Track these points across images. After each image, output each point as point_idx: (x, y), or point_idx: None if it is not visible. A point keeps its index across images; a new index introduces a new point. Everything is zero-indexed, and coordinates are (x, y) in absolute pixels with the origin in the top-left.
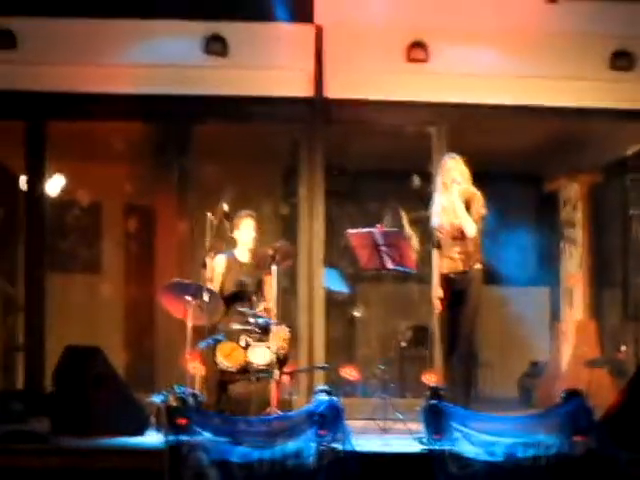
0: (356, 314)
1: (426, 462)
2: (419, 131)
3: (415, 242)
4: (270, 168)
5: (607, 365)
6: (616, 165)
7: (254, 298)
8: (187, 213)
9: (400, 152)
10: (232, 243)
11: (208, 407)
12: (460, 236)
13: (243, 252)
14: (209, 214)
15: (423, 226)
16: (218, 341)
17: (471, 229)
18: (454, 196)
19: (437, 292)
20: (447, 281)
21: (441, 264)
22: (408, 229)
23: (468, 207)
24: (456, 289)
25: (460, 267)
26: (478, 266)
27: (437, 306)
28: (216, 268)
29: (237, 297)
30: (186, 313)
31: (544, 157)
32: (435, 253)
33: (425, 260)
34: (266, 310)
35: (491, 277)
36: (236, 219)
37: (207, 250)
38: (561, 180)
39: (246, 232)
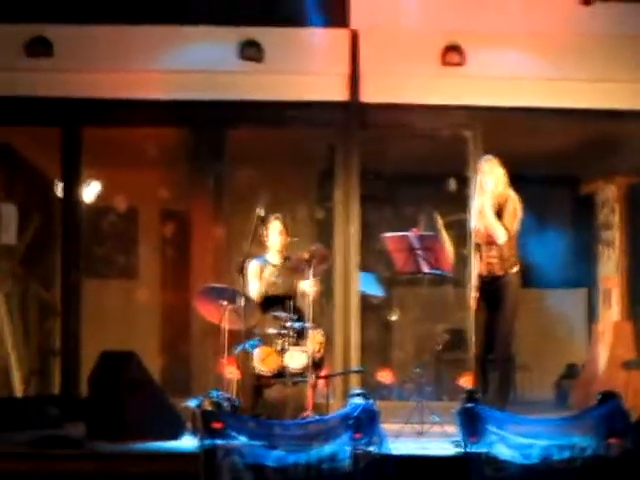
0: (393, 318)
1: (462, 465)
2: (455, 134)
3: (450, 246)
4: (305, 172)
5: None
6: None
7: (289, 302)
8: (223, 218)
9: (436, 156)
10: (267, 248)
11: (244, 411)
12: (494, 240)
13: (274, 255)
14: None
15: (459, 230)
16: (254, 346)
17: (501, 235)
18: (485, 201)
19: (473, 293)
20: (483, 283)
21: (479, 266)
22: (443, 233)
23: (502, 210)
24: (492, 292)
25: (496, 271)
26: (515, 269)
27: (474, 307)
28: (249, 273)
29: (270, 300)
30: (221, 318)
31: (580, 159)
32: (474, 255)
33: (460, 264)
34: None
35: (529, 279)
36: (267, 223)
37: (246, 254)
38: (598, 182)
39: (274, 234)
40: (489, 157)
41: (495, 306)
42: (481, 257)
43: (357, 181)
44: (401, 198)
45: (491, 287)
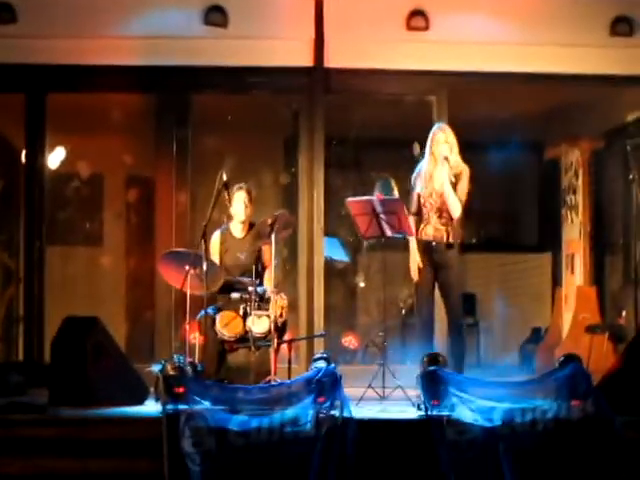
0: (360, 284)
1: (424, 428)
2: (420, 100)
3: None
4: (270, 138)
5: (607, 331)
6: (617, 131)
7: (253, 266)
8: (187, 184)
9: (401, 121)
10: (230, 216)
11: (208, 376)
12: (447, 209)
13: (237, 226)
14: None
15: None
16: (217, 310)
17: (457, 210)
18: (444, 173)
19: (416, 259)
20: (429, 249)
21: (425, 231)
22: (397, 196)
23: (457, 182)
24: (438, 260)
25: (444, 239)
26: (459, 239)
27: (415, 275)
28: (212, 245)
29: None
30: (184, 283)
31: (545, 124)
32: (412, 219)
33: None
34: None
35: (494, 244)
36: (231, 193)
37: (209, 218)
38: (562, 147)
39: (238, 205)
40: (442, 125)
41: (442, 273)
42: (428, 222)
43: (321, 146)
44: (365, 163)
45: (436, 252)
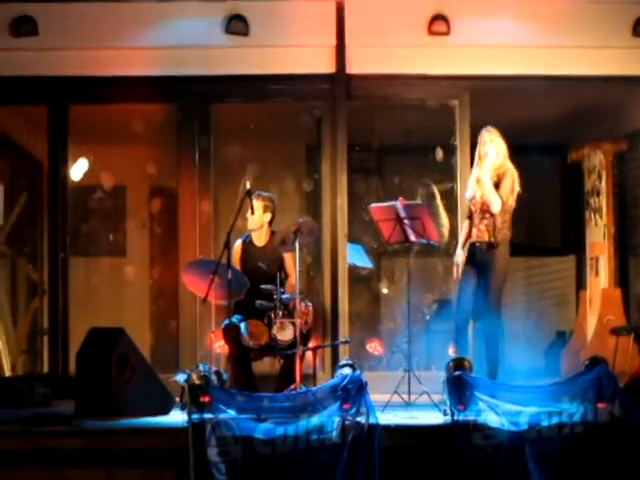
0: (384, 290)
1: (450, 434)
2: (442, 104)
3: (445, 218)
4: (293, 145)
5: (633, 332)
6: None
7: (277, 274)
8: (209, 193)
9: (423, 126)
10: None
11: (232, 385)
12: (488, 209)
13: (255, 234)
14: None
15: (447, 199)
16: (242, 319)
17: (496, 204)
18: (484, 170)
19: (458, 258)
20: (473, 251)
21: (474, 234)
22: (439, 203)
23: (500, 182)
24: (480, 261)
25: (486, 239)
26: (505, 241)
27: (455, 274)
28: (234, 253)
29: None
30: (208, 291)
31: (568, 127)
32: (466, 223)
33: (453, 234)
34: (289, 286)
35: (517, 248)
36: (253, 197)
37: (232, 226)
38: (585, 149)
39: (256, 214)
40: (490, 128)
41: (483, 275)
42: (473, 225)
43: (344, 153)
44: (388, 169)
45: (479, 254)
